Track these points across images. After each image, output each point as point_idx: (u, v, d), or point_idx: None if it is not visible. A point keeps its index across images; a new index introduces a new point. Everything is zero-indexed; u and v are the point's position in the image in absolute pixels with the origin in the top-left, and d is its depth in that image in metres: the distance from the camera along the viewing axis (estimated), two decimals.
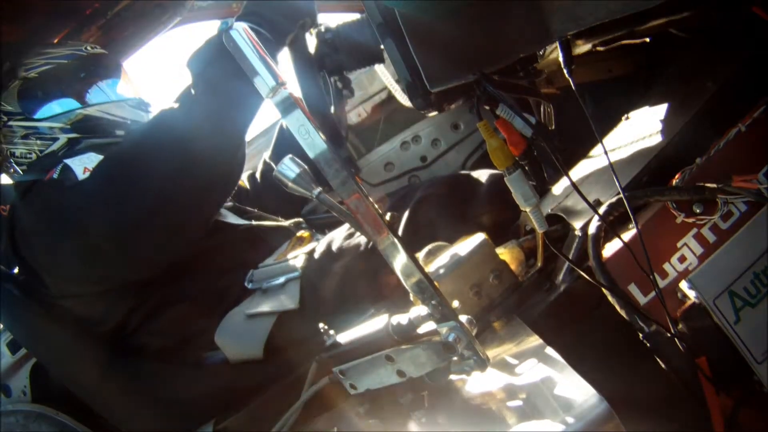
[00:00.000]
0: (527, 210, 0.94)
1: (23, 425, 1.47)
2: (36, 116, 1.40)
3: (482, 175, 1.44)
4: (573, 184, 0.88)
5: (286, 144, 1.74)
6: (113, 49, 1.74)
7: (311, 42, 1.29)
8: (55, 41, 1.60)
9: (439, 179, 1.55)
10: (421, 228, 1.34)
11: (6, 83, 1.42)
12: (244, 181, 1.84)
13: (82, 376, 1.35)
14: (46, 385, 1.53)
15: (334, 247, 1.33)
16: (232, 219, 1.54)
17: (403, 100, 1.55)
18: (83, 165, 1.30)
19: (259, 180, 1.83)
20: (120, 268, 1.23)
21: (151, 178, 1.16)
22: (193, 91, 1.18)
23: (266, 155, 1.83)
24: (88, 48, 1.49)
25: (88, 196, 1.20)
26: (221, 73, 1.15)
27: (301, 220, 1.63)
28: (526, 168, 1.04)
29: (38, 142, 1.39)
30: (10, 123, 1.40)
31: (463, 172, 1.53)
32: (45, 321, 1.31)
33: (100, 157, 1.30)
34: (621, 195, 0.96)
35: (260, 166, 1.85)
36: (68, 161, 1.32)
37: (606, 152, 0.89)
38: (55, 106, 1.42)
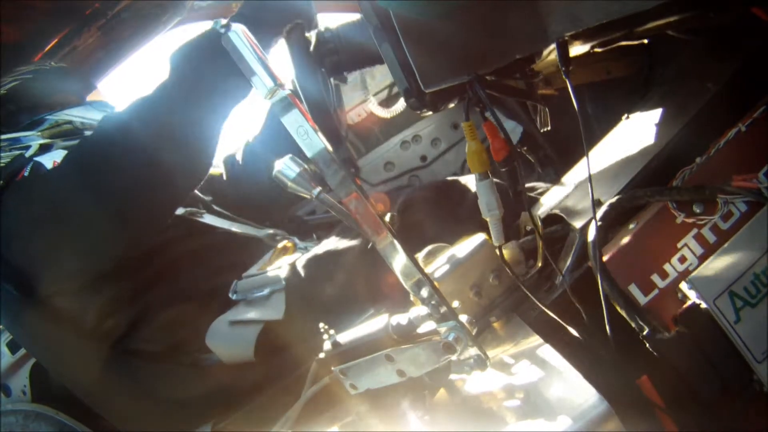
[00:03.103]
0: (487, 219, 0.96)
1: (23, 425, 1.47)
2: (8, 129, 1.44)
3: (471, 180, 1.45)
4: (530, 213, 0.89)
5: (275, 128, 1.71)
6: (113, 49, 1.75)
7: (311, 42, 1.29)
8: (54, 42, 1.61)
9: (427, 183, 1.56)
10: (408, 230, 1.34)
11: None
12: (218, 167, 1.80)
13: (80, 376, 1.35)
14: (45, 385, 1.53)
15: (319, 257, 1.32)
16: (209, 220, 1.54)
17: (378, 110, 1.57)
18: (53, 159, 1.32)
19: (240, 163, 1.77)
20: (93, 256, 1.23)
21: (120, 163, 1.18)
22: (168, 82, 1.19)
23: (250, 137, 1.79)
24: (52, 63, 1.59)
25: (57, 181, 1.22)
26: (199, 70, 1.17)
27: (272, 232, 1.62)
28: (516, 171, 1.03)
29: (12, 153, 1.41)
30: None
31: (452, 177, 1.53)
32: (44, 321, 1.30)
33: None
34: (620, 196, 0.96)
35: (242, 148, 1.79)
36: (38, 158, 1.34)
37: (588, 163, 0.89)
38: (26, 118, 1.48)
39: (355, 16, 1.28)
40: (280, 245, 1.47)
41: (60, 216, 1.18)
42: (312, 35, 1.29)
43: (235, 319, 1.26)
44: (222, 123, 1.23)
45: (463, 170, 2.19)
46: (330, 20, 1.31)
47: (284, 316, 1.24)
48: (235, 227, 1.57)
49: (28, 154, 1.40)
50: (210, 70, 1.14)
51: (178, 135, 1.19)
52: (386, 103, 2.26)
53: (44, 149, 1.41)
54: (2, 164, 1.39)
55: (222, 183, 1.76)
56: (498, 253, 1.00)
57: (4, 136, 1.43)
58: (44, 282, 1.25)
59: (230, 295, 1.31)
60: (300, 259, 1.33)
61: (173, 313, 1.30)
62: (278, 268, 1.33)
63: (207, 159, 1.26)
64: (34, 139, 1.43)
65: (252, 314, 1.26)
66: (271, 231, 1.60)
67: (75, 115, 1.50)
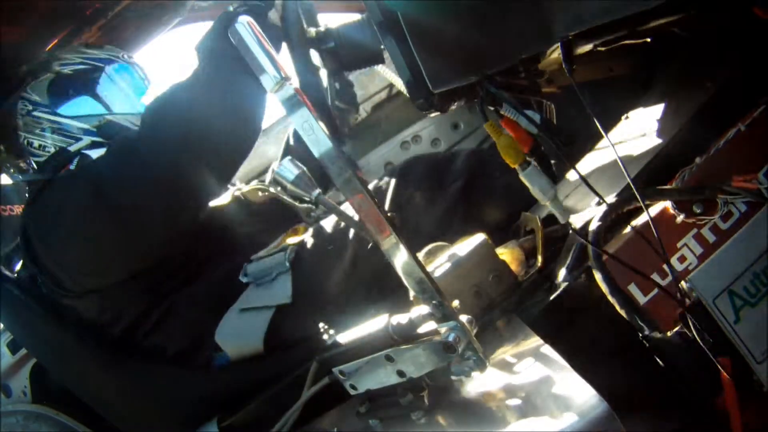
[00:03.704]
0: (547, 203, 0.93)
1: (23, 425, 1.47)
2: (62, 113, 1.40)
3: (459, 151, 1.51)
4: (582, 177, 0.88)
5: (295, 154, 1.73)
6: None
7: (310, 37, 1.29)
8: (55, 42, 1.60)
9: (414, 159, 1.55)
10: (401, 211, 1.36)
11: (39, 74, 1.43)
12: None
13: (82, 376, 1.35)
14: (46, 386, 1.53)
15: (325, 237, 1.33)
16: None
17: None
18: (100, 154, 1.30)
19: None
20: (135, 248, 1.21)
21: (160, 149, 1.15)
22: (201, 69, 1.17)
23: (274, 166, 1.80)
24: (125, 56, 1.52)
25: (103, 167, 1.19)
26: (228, 55, 1.12)
27: (312, 207, 1.61)
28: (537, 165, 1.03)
29: (60, 138, 1.39)
30: (36, 113, 1.40)
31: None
32: (45, 321, 1.30)
33: None
34: (620, 196, 0.96)
35: (269, 177, 1.80)
36: (85, 152, 1.33)
37: (614, 148, 0.88)
38: (83, 107, 1.43)
39: (356, 17, 1.28)
40: (294, 227, 1.47)
41: (108, 202, 1.15)
42: (312, 33, 1.29)
43: (244, 307, 1.26)
44: (264, 95, 1.20)
45: None
46: (330, 20, 1.31)
47: (291, 299, 1.23)
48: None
49: (77, 146, 1.39)
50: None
51: (221, 109, 1.16)
52: (387, 102, 2.27)
53: (93, 148, 1.39)
54: (48, 153, 1.38)
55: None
56: (569, 224, 0.96)
57: (59, 119, 1.40)
58: (82, 280, 1.24)
59: (241, 278, 1.31)
60: (306, 241, 1.34)
61: (198, 312, 1.30)
62: (284, 250, 1.33)
63: (253, 129, 1.23)
64: (87, 135, 1.40)
65: (259, 299, 1.26)
66: (308, 205, 1.60)
67: (132, 122, 1.46)
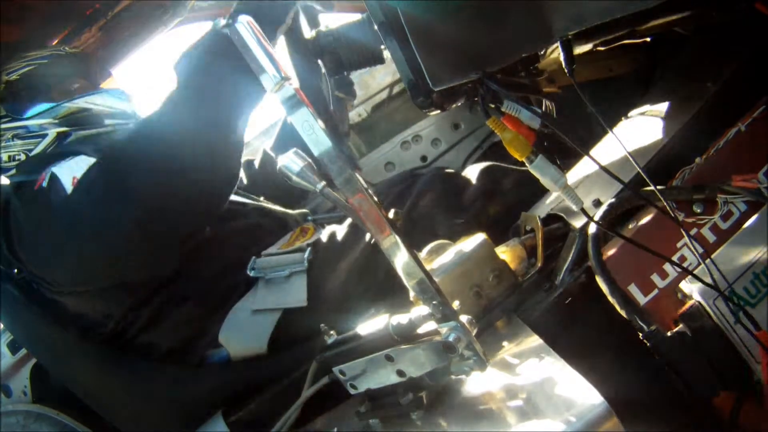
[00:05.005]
0: (559, 191, 0.91)
1: (23, 425, 1.48)
2: (21, 116, 1.40)
3: (470, 171, 1.51)
4: (596, 162, 0.87)
5: (290, 136, 1.74)
6: (114, 50, 1.75)
7: (308, 34, 1.29)
8: (54, 42, 1.60)
9: (433, 176, 1.56)
10: (418, 221, 1.37)
11: None
12: None
13: (82, 376, 1.35)
14: (46, 385, 1.53)
15: (339, 241, 1.33)
16: (238, 198, 1.53)
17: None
18: (72, 174, 1.27)
19: (257, 167, 1.80)
20: (113, 280, 1.23)
21: (137, 189, 1.14)
22: (178, 95, 1.17)
23: (267, 145, 1.82)
24: (66, 49, 1.52)
25: (75, 214, 1.19)
26: (209, 78, 1.14)
27: (306, 211, 1.62)
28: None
29: (27, 141, 1.39)
30: None
31: (450, 170, 1.57)
32: (45, 321, 1.30)
33: (89, 161, 1.26)
34: (620, 196, 0.96)
35: (259, 155, 1.82)
36: (55, 170, 1.28)
37: (621, 142, 0.88)
38: (41, 105, 1.42)
39: (356, 16, 1.28)
40: (304, 225, 1.46)
41: (83, 238, 1.16)
42: (312, 33, 1.29)
43: (256, 308, 1.26)
44: (241, 126, 1.20)
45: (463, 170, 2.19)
46: (330, 20, 1.31)
47: (307, 301, 1.23)
48: (264, 203, 1.57)
49: (45, 143, 1.39)
50: (222, 72, 1.12)
51: (198, 146, 1.15)
52: (387, 102, 2.27)
53: (61, 139, 1.39)
54: (15, 152, 1.38)
55: (241, 184, 1.77)
56: (582, 211, 0.93)
57: (19, 123, 1.40)
58: (62, 288, 1.26)
59: (248, 271, 1.30)
60: (321, 241, 1.33)
61: (191, 308, 1.30)
62: (299, 249, 1.32)
63: (231, 165, 1.22)
64: (51, 127, 1.40)
65: (272, 300, 1.26)
66: (302, 210, 1.59)
67: (91, 102, 1.45)
